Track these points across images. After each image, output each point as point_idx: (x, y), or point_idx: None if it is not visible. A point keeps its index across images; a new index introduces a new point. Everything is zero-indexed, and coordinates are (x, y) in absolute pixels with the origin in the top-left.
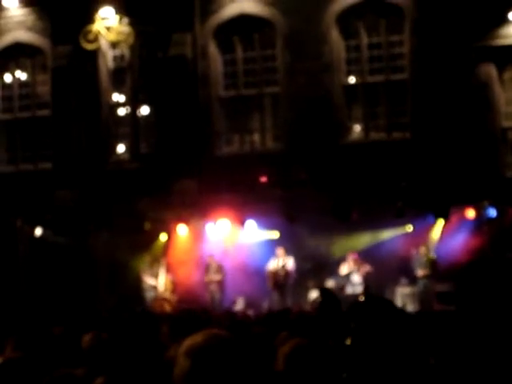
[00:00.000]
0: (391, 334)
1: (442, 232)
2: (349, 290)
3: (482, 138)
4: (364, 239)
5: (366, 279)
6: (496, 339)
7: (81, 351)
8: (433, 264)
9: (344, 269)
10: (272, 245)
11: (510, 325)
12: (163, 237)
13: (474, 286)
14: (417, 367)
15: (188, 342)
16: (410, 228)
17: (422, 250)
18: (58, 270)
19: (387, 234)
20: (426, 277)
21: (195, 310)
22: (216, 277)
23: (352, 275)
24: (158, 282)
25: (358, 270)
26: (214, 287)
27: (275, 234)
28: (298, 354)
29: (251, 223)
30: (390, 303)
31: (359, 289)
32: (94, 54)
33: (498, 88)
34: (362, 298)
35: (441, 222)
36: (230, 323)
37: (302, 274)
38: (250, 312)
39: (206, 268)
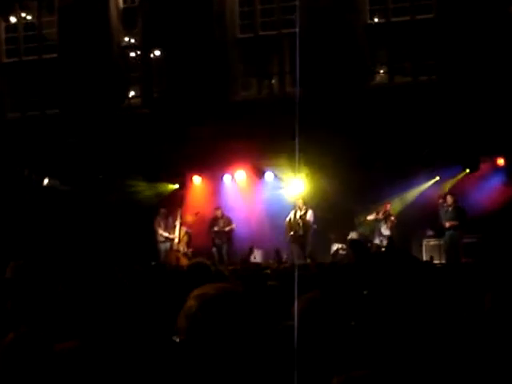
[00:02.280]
0: (409, 285)
1: (471, 181)
2: (376, 241)
3: None
4: (389, 190)
5: (393, 230)
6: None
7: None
8: (461, 215)
9: (372, 215)
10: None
11: None
12: (178, 187)
13: (501, 237)
14: (438, 320)
15: (199, 289)
16: (437, 178)
17: (449, 199)
18: (65, 220)
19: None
20: (453, 228)
21: (207, 263)
22: (224, 228)
23: (380, 225)
24: (173, 234)
25: (386, 221)
26: (221, 240)
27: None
28: (313, 308)
29: (270, 174)
30: (411, 255)
31: (386, 240)
32: None
33: None
34: (383, 250)
35: (469, 172)
36: (245, 276)
37: (323, 226)
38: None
39: (213, 220)
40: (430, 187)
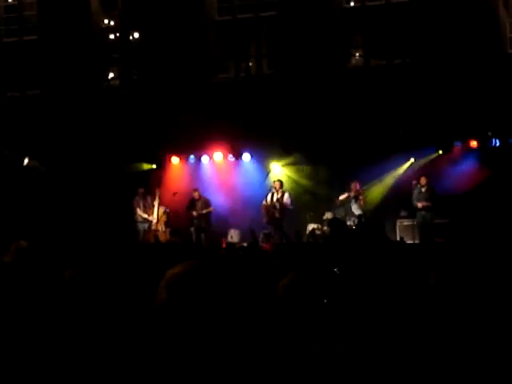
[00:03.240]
0: (377, 262)
1: (444, 163)
2: (348, 222)
3: (487, 65)
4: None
5: (364, 209)
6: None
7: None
8: (433, 196)
9: (343, 195)
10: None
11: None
12: (157, 168)
13: (473, 218)
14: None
15: (166, 274)
16: (411, 160)
17: (423, 181)
18: (45, 200)
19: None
20: (425, 209)
21: (180, 242)
22: (202, 210)
23: (352, 205)
24: (151, 214)
25: (357, 199)
26: (199, 222)
27: (272, 166)
28: (296, 285)
29: (247, 155)
30: (383, 234)
31: (357, 219)
32: None
33: (503, 12)
34: (353, 227)
35: (442, 154)
36: (220, 255)
37: (300, 207)
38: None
39: (191, 202)
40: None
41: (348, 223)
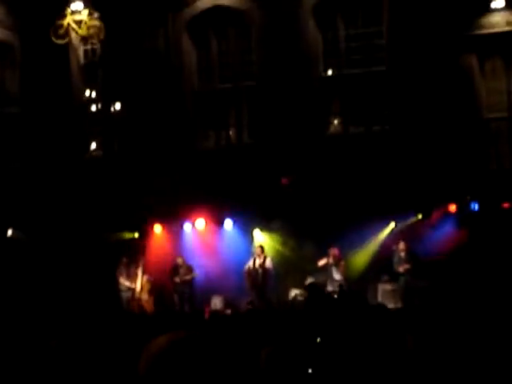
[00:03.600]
0: (362, 331)
1: (424, 228)
2: (329, 288)
3: (464, 130)
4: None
5: (345, 275)
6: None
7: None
8: (413, 259)
9: (322, 261)
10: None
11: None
12: (139, 236)
13: (450, 281)
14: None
15: (146, 348)
16: (392, 225)
17: (402, 245)
18: (30, 270)
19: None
20: (406, 273)
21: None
22: (185, 277)
23: (332, 271)
24: (134, 282)
25: (337, 265)
26: (183, 288)
27: (254, 232)
28: (278, 354)
29: (229, 222)
30: (364, 300)
31: (338, 285)
32: (65, 49)
33: (479, 78)
34: (335, 296)
35: (421, 218)
36: (202, 323)
37: (282, 273)
38: (228, 311)
39: (175, 268)
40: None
41: (329, 288)
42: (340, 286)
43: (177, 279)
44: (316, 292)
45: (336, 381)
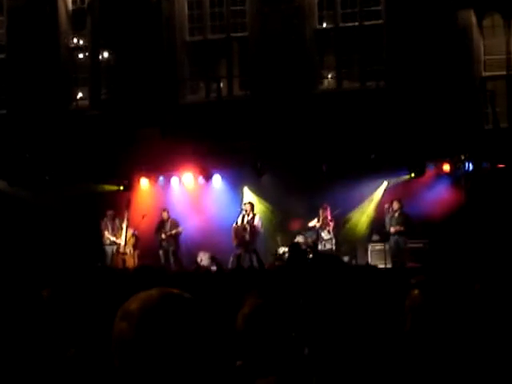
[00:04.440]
0: (339, 291)
1: (417, 187)
2: (319, 247)
3: (460, 88)
4: (336, 193)
5: (335, 233)
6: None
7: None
8: (406, 220)
9: (312, 222)
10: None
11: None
12: (125, 189)
13: (447, 243)
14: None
15: (125, 308)
16: (384, 184)
17: (395, 205)
18: (13, 222)
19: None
20: (398, 233)
21: (152, 267)
22: (171, 231)
23: (322, 230)
24: (119, 236)
25: (327, 225)
26: (168, 243)
27: (243, 189)
28: (257, 314)
29: (218, 177)
30: (339, 261)
31: (329, 245)
32: None
33: (477, 35)
34: (310, 257)
35: (415, 177)
36: (190, 279)
37: (271, 230)
38: (214, 268)
39: (160, 223)
40: (376, 191)
41: (319, 248)
42: (313, 246)
43: (162, 234)
44: (296, 252)
45: (319, 344)
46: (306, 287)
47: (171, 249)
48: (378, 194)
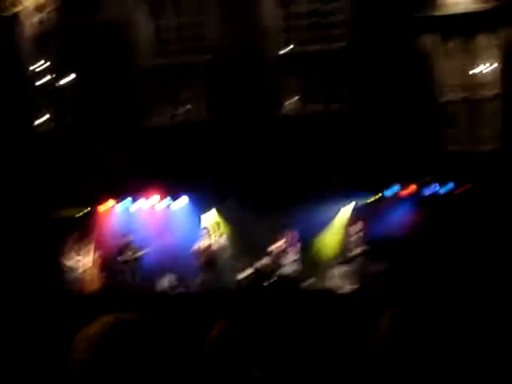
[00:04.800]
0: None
1: (380, 209)
2: (284, 269)
3: (423, 111)
4: (299, 216)
5: (301, 257)
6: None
7: None
8: (370, 241)
9: (277, 244)
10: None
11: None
12: (92, 212)
13: (408, 265)
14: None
15: (85, 328)
16: (353, 204)
17: (359, 226)
18: None
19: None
20: (361, 255)
21: (115, 288)
22: (133, 255)
23: (286, 253)
24: (84, 258)
25: (292, 247)
26: (129, 266)
27: (210, 211)
28: (225, 337)
29: (183, 199)
30: (295, 286)
31: (294, 266)
32: (14, 20)
33: (441, 59)
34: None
35: (374, 199)
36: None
37: (237, 253)
38: (181, 290)
39: (123, 247)
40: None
41: (283, 271)
42: (276, 268)
43: (126, 256)
44: (260, 276)
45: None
46: (265, 312)
47: (135, 272)
48: (345, 215)
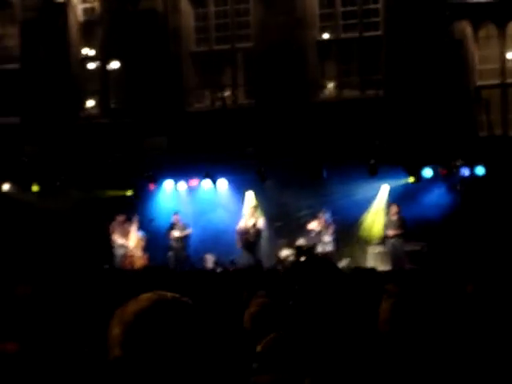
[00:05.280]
0: (330, 294)
1: (415, 191)
2: (319, 249)
3: (456, 96)
4: (336, 197)
5: (337, 238)
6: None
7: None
8: (403, 224)
9: (312, 225)
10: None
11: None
12: (134, 194)
13: (444, 245)
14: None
15: (121, 309)
16: (385, 186)
17: (393, 209)
18: (24, 226)
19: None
20: (395, 236)
21: (157, 267)
22: (181, 233)
23: (322, 234)
24: (128, 239)
25: (326, 228)
26: (178, 245)
27: (247, 193)
28: (263, 313)
29: (222, 181)
30: (331, 264)
31: (329, 247)
32: (64, 7)
33: (472, 45)
34: (303, 259)
35: (413, 181)
36: (197, 281)
37: (273, 233)
38: (219, 270)
39: (171, 225)
40: (375, 195)
41: (319, 250)
42: (310, 248)
43: (172, 235)
44: (302, 253)
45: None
46: (297, 289)
47: (181, 251)
48: (381, 197)
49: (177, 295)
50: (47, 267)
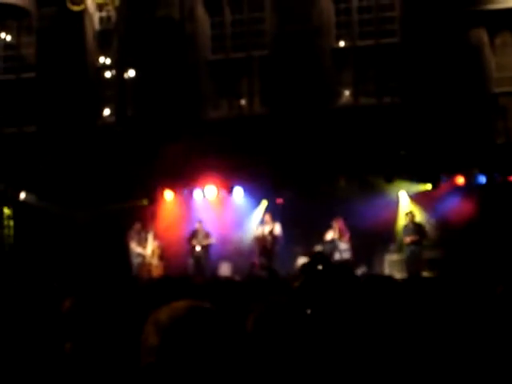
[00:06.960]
0: (347, 301)
1: (432, 199)
2: (336, 257)
3: (473, 104)
4: (352, 204)
5: (354, 246)
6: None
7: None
8: (421, 230)
9: (329, 235)
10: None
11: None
12: (151, 203)
13: (462, 252)
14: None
15: (155, 316)
16: (403, 193)
17: (410, 216)
18: (41, 235)
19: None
20: (413, 243)
21: (175, 277)
22: (203, 242)
23: (338, 242)
24: (145, 248)
25: (342, 236)
26: (200, 253)
27: (263, 201)
28: (266, 316)
29: (238, 189)
30: (350, 271)
31: (346, 255)
32: (80, 16)
33: (489, 53)
34: (320, 267)
35: (430, 188)
36: (215, 290)
37: (290, 241)
38: (237, 277)
39: (194, 233)
40: (392, 202)
41: (336, 257)
42: (324, 257)
43: (195, 243)
44: (312, 264)
45: (324, 352)
46: (315, 297)
47: (201, 258)
48: (397, 204)
49: (205, 303)
50: (81, 278)
